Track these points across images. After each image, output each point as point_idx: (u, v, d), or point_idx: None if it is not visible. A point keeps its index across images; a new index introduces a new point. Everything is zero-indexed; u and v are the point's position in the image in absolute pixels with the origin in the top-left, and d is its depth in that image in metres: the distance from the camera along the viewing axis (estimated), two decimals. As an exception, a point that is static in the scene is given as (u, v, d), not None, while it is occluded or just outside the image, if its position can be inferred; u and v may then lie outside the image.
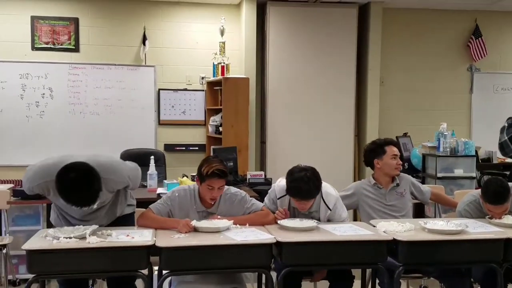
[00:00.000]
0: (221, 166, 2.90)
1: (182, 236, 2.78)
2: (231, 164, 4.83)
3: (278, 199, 3.12)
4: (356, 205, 3.47)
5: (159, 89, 6.22)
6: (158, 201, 3.03)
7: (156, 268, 2.91)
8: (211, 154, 4.96)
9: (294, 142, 6.17)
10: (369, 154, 3.48)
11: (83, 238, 2.65)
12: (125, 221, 3.05)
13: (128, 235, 2.72)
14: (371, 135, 6.17)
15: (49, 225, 3.10)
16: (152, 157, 4.62)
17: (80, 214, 2.89)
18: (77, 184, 2.52)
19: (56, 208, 2.96)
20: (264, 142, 6.35)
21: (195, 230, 2.88)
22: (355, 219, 5.53)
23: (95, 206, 2.72)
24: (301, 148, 6.14)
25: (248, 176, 5.01)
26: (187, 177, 4.67)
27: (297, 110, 6.22)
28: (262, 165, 6.39)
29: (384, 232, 2.88)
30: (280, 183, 3.13)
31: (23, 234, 4.20)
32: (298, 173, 2.93)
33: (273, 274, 2.85)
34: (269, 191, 3.20)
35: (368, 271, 3.21)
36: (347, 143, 6.26)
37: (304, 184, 2.90)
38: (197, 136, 6.34)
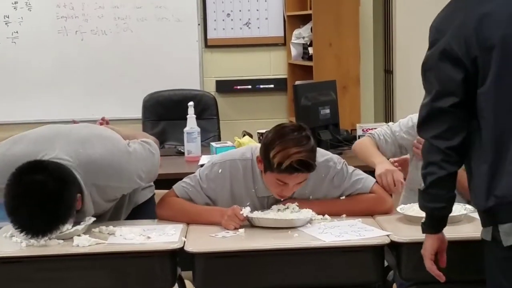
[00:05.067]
0: (307, 152, 2.90)
1: (230, 235, 2.89)
2: (327, 111, 4.88)
3: None
4: None
5: (205, -14, 6.35)
6: (186, 180, 3.15)
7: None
8: (293, 93, 4.97)
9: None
10: None
11: (69, 239, 2.84)
12: (142, 212, 3.26)
13: (142, 235, 2.87)
14: None
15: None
16: (192, 103, 4.75)
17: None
18: (33, 197, 2.67)
19: None
20: (390, 71, 6.30)
21: (250, 223, 2.98)
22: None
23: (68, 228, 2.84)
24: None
25: (359, 132, 5.00)
26: (250, 136, 4.75)
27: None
28: (386, 112, 6.38)
29: None
30: None
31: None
32: None
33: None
34: (401, 120, 3.49)
35: None
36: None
37: None
38: (271, 65, 6.42)
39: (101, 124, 3.57)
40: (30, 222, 2.71)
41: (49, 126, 3.19)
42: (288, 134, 2.93)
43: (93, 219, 2.96)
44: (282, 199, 3.10)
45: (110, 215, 3.17)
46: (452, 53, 2.39)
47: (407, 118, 3.48)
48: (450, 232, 2.85)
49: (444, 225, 2.56)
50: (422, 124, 2.48)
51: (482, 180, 2.38)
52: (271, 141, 2.93)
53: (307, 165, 2.90)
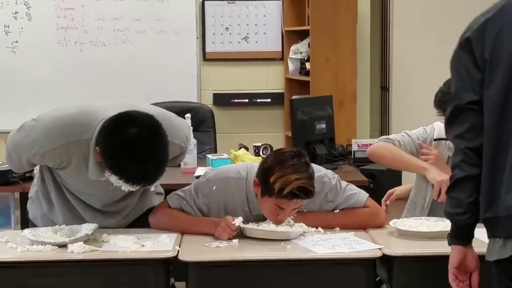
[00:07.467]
0: (307, 179, 2.92)
1: (224, 245, 2.92)
2: (323, 126, 4.91)
3: (435, 140, 3.47)
4: None
5: (203, 0, 6.36)
6: (180, 193, 3.17)
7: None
8: (290, 107, 5.00)
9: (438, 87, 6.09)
10: None
11: (64, 246, 2.86)
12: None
13: (136, 243, 2.90)
14: None
15: (24, 226, 3.33)
16: (188, 115, 4.77)
17: (104, 202, 3.13)
18: (143, 146, 2.77)
19: (57, 195, 3.19)
20: (386, 88, 6.34)
21: (242, 234, 3.01)
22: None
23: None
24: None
25: (354, 148, 5.04)
26: (246, 149, 4.77)
27: (446, 31, 6.08)
28: (382, 128, 6.42)
29: None
30: (439, 123, 3.46)
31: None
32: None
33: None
34: (415, 130, 3.53)
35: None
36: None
37: None
38: (268, 80, 6.46)
39: None
40: (144, 175, 2.79)
41: None
42: (288, 161, 2.95)
43: (95, 226, 2.99)
44: None
45: (140, 197, 3.23)
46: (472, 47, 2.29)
47: (422, 130, 3.52)
48: (442, 247, 2.86)
49: (470, 237, 2.38)
50: (446, 124, 2.39)
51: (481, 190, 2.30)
52: (271, 167, 2.95)
53: (307, 191, 2.92)
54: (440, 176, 3.21)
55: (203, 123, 5.69)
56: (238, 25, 6.42)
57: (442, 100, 3.27)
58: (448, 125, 2.38)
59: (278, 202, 2.94)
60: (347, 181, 3.24)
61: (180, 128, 3.17)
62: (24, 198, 4.26)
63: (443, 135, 3.41)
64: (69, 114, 2.98)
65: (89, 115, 2.94)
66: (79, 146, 2.92)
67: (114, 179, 2.81)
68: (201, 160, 4.85)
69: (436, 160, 3.36)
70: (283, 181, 2.88)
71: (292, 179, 2.88)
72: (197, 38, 6.38)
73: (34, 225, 3.21)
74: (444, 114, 3.23)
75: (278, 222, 3.03)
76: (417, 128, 3.54)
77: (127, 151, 2.76)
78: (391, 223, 3.12)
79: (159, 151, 2.82)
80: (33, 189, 3.31)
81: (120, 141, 2.77)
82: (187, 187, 3.18)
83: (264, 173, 2.96)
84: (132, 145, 2.76)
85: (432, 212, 3.34)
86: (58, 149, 2.94)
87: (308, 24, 5.99)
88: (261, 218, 3.11)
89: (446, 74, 3.38)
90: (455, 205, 2.33)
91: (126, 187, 2.82)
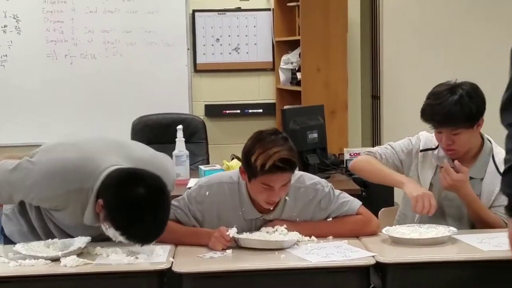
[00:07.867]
0: (287, 151, 2.96)
1: (218, 256, 2.92)
2: (315, 135, 4.93)
3: (421, 151, 3.44)
4: None
5: (194, 11, 6.39)
6: (174, 203, 3.15)
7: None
8: (281, 117, 5.03)
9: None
10: None
11: (57, 259, 2.86)
12: None
13: (129, 255, 2.90)
14: None
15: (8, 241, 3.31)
16: (180, 127, 4.78)
17: (90, 235, 3.08)
18: (149, 208, 2.80)
19: (40, 226, 3.16)
20: (377, 97, 6.36)
21: (237, 244, 3.01)
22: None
23: None
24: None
25: (346, 156, 5.05)
26: (239, 160, 4.76)
27: (435, 40, 6.13)
28: (374, 137, 6.44)
29: None
30: (425, 133, 3.47)
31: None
32: (444, 86, 3.26)
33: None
34: (400, 142, 3.51)
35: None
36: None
37: (450, 96, 3.17)
38: (259, 90, 6.49)
39: None
40: (146, 234, 2.83)
41: (70, 134, 3.34)
42: (266, 138, 2.99)
43: (87, 239, 2.98)
44: (270, 220, 3.12)
45: None
46: None
47: (407, 141, 3.51)
48: (435, 253, 2.91)
49: None
50: (501, 110, 2.41)
51: None
52: (251, 147, 2.98)
53: (289, 162, 2.94)
54: (416, 191, 3.22)
55: (195, 135, 5.70)
56: (229, 36, 6.45)
57: (428, 114, 3.26)
58: (502, 111, 2.41)
59: (263, 180, 2.95)
60: (340, 190, 3.26)
61: (170, 172, 3.20)
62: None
63: (430, 145, 3.42)
64: (71, 160, 2.95)
65: (91, 162, 2.92)
66: (79, 194, 2.93)
67: (112, 232, 2.82)
68: (194, 171, 4.86)
69: (463, 182, 3.27)
70: (264, 156, 2.91)
71: (272, 152, 2.91)
72: (188, 49, 6.40)
73: (12, 242, 3.17)
74: (433, 126, 3.26)
75: (271, 203, 3.04)
76: (403, 139, 3.54)
77: (133, 211, 2.78)
78: (383, 230, 3.13)
79: (163, 212, 2.86)
80: (7, 206, 3.28)
81: (128, 201, 2.79)
82: (180, 197, 3.18)
83: (246, 155, 2.99)
84: (139, 205, 2.78)
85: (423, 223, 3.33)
86: (58, 196, 2.95)
87: (299, 34, 6.02)
88: (254, 224, 3.13)
89: (437, 81, 3.42)
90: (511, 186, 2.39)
91: (121, 241, 2.84)
